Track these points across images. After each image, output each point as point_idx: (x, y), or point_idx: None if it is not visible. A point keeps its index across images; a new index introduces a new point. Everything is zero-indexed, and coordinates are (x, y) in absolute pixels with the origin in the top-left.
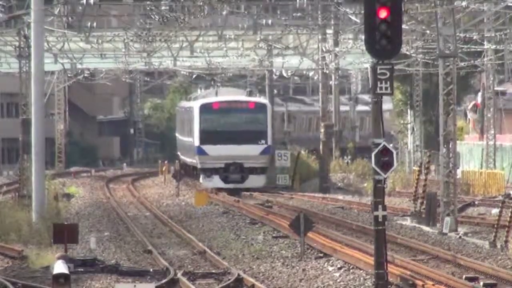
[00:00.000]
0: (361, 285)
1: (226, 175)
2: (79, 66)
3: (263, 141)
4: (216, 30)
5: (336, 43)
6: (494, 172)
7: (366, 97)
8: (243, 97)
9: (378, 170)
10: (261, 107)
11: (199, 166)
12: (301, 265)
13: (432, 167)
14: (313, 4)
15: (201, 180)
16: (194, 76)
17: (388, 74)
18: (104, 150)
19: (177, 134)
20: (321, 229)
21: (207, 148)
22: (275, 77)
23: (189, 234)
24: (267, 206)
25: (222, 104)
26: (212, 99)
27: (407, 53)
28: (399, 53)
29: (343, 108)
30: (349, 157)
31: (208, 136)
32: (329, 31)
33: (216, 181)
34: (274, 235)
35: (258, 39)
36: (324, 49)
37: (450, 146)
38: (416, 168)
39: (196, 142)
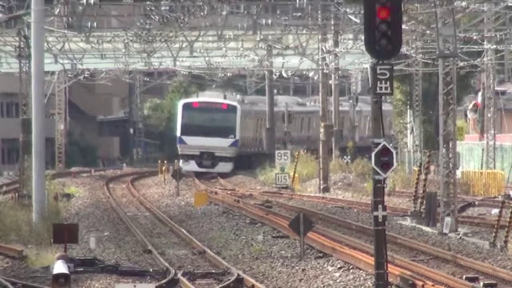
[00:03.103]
0: (361, 285)
1: (200, 161)
2: (79, 66)
3: (232, 136)
4: (216, 30)
5: (336, 43)
6: (494, 172)
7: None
8: (218, 99)
9: (378, 170)
10: (232, 108)
11: (179, 152)
12: (301, 265)
13: (432, 167)
14: (313, 4)
15: (180, 164)
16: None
17: (388, 74)
18: (104, 150)
19: None
20: (321, 229)
21: (186, 138)
22: (275, 77)
23: (189, 234)
24: (267, 206)
25: (201, 104)
26: (193, 99)
27: (407, 53)
28: (399, 53)
29: (342, 108)
30: (348, 157)
31: (187, 129)
32: (329, 31)
33: (192, 165)
34: (274, 235)
35: (258, 39)
36: (324, 49)
37: (450, 146)
38: (416, 168)
39: (178, 133)
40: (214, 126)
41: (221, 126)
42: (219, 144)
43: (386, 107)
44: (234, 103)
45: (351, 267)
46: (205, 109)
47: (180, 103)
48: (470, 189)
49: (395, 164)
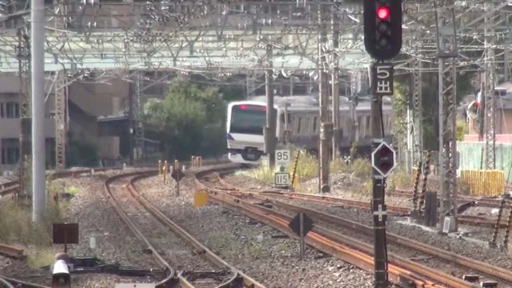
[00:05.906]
0: (361, 285)
1: (246, 154)
2: (79, 66)
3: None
4: (216, 30)
5: (336, 43)
6: (494, 172)
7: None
8: (261, 103)
9: (377, 169)
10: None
11: (228, 147)
12: (300, 265)
13: (432, 167)
14: (313, 4)
15: (229, 156)
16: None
17: (388, 74)
18: (104, 150)
19: None
20: (321, 229)
21: (234, 135)
22: (274, 77)
23: (189, 234)
24: (267, 206)
25: (247, 106)
26: (241, 102)
27: (407, 53)
28: (399, 53)
29: (342, 107)
30: (349, 156)
31: (235, 127)
32: (329, 31)
33: (239, 158)
34: (273, 235)
35: (258, 39)
36: (323, 49)
37: (450, 146)
38: (415, 167)
39: (227, 131)
40: (257, 125)
41: (263, 125)
42: (261, 140)
43: (385, 106)
44: (274, 106)
45: (351, 267)
46: (250, 111)
47: (230, 105)
48: (469, 189)
49: (395, 164)
